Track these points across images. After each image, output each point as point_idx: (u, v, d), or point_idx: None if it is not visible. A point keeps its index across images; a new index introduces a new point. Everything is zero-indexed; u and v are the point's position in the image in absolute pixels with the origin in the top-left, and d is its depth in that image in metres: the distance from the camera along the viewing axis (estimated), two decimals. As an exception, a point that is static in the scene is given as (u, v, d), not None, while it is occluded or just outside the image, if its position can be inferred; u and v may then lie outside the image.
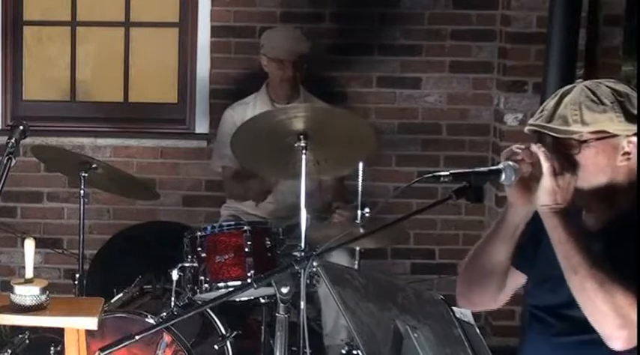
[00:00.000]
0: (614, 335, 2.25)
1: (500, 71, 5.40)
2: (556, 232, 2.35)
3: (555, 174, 2.34)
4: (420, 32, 5.48)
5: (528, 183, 2.41)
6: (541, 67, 4.79)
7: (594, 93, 2.42)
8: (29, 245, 3.21)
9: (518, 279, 2.63)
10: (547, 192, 2.35)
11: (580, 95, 2.42)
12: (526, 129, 2.50)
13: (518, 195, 2.44)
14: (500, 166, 2.40)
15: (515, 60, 5.28)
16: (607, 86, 2.44)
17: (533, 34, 5.20)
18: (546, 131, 2.42)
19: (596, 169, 2.40)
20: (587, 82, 2.47)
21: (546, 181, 2.35)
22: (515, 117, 5.30)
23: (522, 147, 2.41)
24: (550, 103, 2.46)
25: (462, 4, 5.45)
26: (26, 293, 3.15)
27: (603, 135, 2.39)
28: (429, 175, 2.38)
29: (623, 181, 2.41)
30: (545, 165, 2.35)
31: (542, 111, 2.47)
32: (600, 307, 2.26)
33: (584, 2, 4.90)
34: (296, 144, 3.99)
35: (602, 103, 2.40)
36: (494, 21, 5.43)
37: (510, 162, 2.40)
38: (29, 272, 3.20)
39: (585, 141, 2.39)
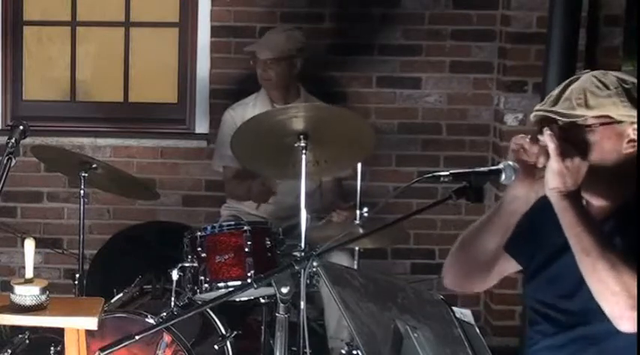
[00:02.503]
0: (626, 315, 2.24)
1: (500, 71, 5.40)
2: (567, 215, 2.33)
3: (563, 155, 2.33)
4: (420, 32, 5.48)
5: (533, 170, 2.41)
6: (541, 67, 4.80)
7: (600, 81, 2.43)
8: (29, 245, 3.22)
9: (507, 266, 2.63)
10: (555, 175, 2.33)
11: (586, 82, 2.43)
12: (532, 116, 2.50)
13: (521, 179, 2.44)
14: (500, 166, 2.40)
15: (515, 60, 5.28)
16: (614, 75, 2.45)
17: (533, 34, 5.20)
18: (551, 115, 2.42)
19: (600, 154, 2.39)
20: (595, 72, 2.48)
21: (554, 163, 2.33)
22: (515, 117, 5.30)
23: (528, 137, 2.41)
24: (556, 90, 2.47)
25: (462, 4, 5.45)
26: (26, 293, 3.15)
27: (608, 121, 2.39)
28: (429, 175, 2.38)
29: (629, 169, 2.39)
30: (552, 147, 2.33)
31: (548, 98, 2.47)
32: (612, 287, 2.25)
33: (584, 2, 4.90)
34: (296, 144, 3.99)
35: (607, 88, 2.40)
36: (495, 21, 5.43)
37: (510, 162, 2.40)
38: (29, 272, 3.20)
39: (589, 126, 2.39)
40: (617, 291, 2.24)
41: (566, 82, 2.48)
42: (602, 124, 2.39)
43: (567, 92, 2.43)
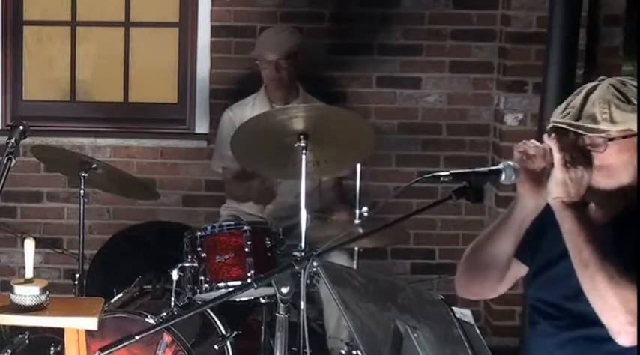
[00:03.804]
0: (624, 330, 2.25)
1: (501, 71, 5.40)
2: (568, 225, 2.34)
3: (567, 166, 2.34)
4: (420, 32, 5.48)
5: (539, 176, 2.41)
6: (541, 67, 4.80)
7: (621, 92, 2.42)
8: (29, 245, 3.21)
9: (518, 271, 2.64)
10: (558, 184, 2.34)
11: (607, 93, 2.42)
12: (550, 126, 2.49)
13: (528, 189, 2.44)
14: (500, 166, 2.40)
15: (515, 60, 5.28)
16: (632, 84, 2.44)
17: (533, 34, 5.20)
18: (575, 129, 2.42)
19: (619, 166, 2.40)
20: (611, 80, 2.47)
21: (558, 173, 2.34)
22: (515, 117, 5.30)
23: (534, 143, 2.40)
24: (576, 101, 2.45)
25: (462, 4, 5.45)
26: (26, 293, 3.15)
27: (628, 134, 2.39)
28: (429, 175, 2.38)
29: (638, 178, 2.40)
30: (557, 156, 2.34)
31: (566, 108, 2.46)
32: (610, 302, 2.25)
33: (584, 2, 4.90)
34: (296, 144, 3.99)
35: (630, 102, 2.40)
36: (495, 21, 5.43)
37: (510, 162, 2.40)
38: (29, 272, 3.20)
39: (612, 139, 2.39)
40: (616, 306, 2.25)
41: (585, 91, 2.46)
42: (624, 137, 2.39)
43: (588, 105, 2.42)
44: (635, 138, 2.40)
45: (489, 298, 2.78)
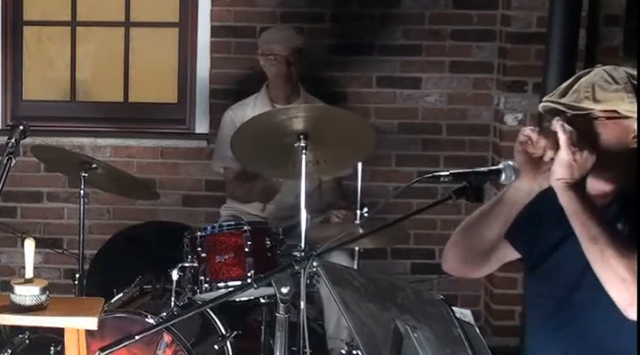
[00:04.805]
0: (634, 301, 2.24)
1: (501, 71, 5.40)
2: (572, 205, 2.33)
3: (573, 147, 2.33)
4: (420, 32, 5.48)
5: (538, 163, 2.41)
6: (541, 67, 4.80)
7: (610, 75, 2.43)
8: (29, 245, 3.22)
9: (507, 254, 2.64)
10: (564, 165, 2.33)
11: (596, 76, 2.45)
12: (540, 106, 2.51)
13: (525, 172, 2.43)
14: (500, 166, 2.40)
15: (515, 60, 5.28)
16: (624, 70, 2.46)
17: (533, 34, 5.20)
18: (558, 106, 2.44)
19: (605, 146, 2.39)
20: (607, 66, 2.49)
21: (564, 153, 2.33)
22: (515, 117, 5.30)
23: (537, 129, 2.40)
24: (566, 82, 2.47)
25: (462, 4, 5.45)
26: (26, 293, 3.15)
27: (614, 115, 2.40)
28: (429, 175, 2.38)
29: (632, 161, 2.39)
30: (563, 138, 2.34)
31: (557, 89, 2.48)
32: (621, 274, 2.24)
33: (584, 2, 4.90)
34: (296, 144, 3.99)
35: (616, 83, 2.41)
36: (495, 21, 5.43)
37: (510, 162, 2.40)
38: (29, 272, 3.20)
39: (595, 119, 2.40)
40: (627, 277, 2.24)
41: (577, 74, 2.49)
42: (608, 118, 2.40)
43: (576, 85, 2.45)
44: (626, 122, 2.40)
45: (474, 277, 2.79)
